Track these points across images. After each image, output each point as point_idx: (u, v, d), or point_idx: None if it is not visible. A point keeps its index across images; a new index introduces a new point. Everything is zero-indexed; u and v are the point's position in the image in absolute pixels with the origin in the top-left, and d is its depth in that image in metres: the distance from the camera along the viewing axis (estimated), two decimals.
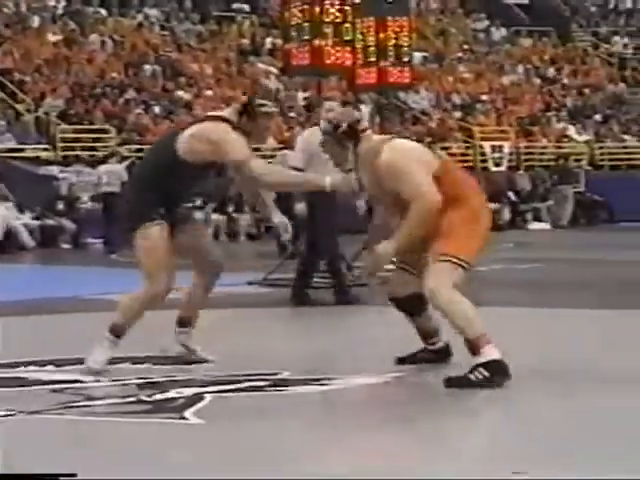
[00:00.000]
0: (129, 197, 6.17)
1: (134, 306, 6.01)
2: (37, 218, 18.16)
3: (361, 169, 5.65)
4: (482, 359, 5.32)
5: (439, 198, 5.49)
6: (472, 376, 5.31)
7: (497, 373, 5.31)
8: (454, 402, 5.20)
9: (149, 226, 5.88)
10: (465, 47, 28.53)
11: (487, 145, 23.88)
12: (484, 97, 26.07)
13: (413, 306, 5.81)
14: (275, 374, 5.79)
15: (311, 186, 6.14)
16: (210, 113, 6.45)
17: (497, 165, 23.75)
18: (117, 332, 5.98)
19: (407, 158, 5.59)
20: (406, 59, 13.09)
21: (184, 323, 6.24)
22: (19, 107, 20.54)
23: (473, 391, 5.28)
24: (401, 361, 5.90)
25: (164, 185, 5.91)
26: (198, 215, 19.00)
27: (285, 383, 5.61)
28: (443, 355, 5.91)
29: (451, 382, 5.36)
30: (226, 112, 6.05)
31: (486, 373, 5.30)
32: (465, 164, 23.59)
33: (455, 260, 5.47)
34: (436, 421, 4.90)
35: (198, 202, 19.23)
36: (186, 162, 5.86)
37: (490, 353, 5.32)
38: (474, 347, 5.34)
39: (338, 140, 5.74)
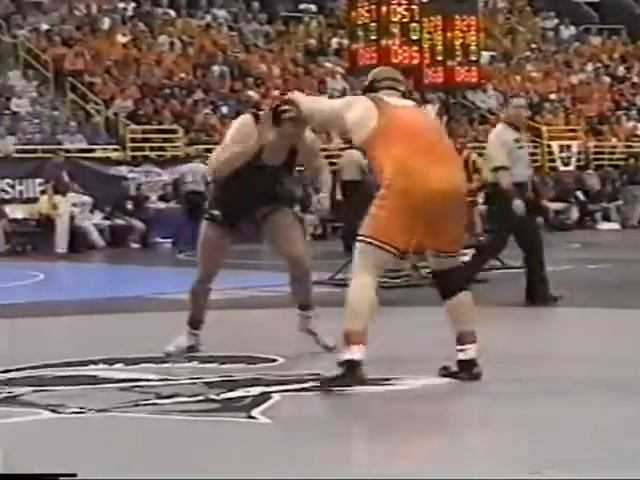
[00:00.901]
0: None
1: (190, 296, 6.56)
2: (107, 218, 18.41)
3: None
4: (344, 356, 5.31)
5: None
6: (333, 374, 5.33)
7: (347, 374, 5.26)
8: (522, 405, 5.17)
9: (203, 220, 6.47)
10: (533, 46, 28.31)
11: (555, 144, 23.67)
12: (552, 96, 25.84)
13: (445, 284, 5.67)
14: None
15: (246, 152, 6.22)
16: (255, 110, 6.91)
17: (565, 165, 23.53)
18: (191, 324, 6.55)
19: (342, 103, 5.83)
20: (474, 58, 13.00)
21: (303, 307, 6.58)
22: (89, 108, 20.81)
23: (537, 393, 5.25)
24: (442, 370, 5.70)
25: (223, 189, 6.39)
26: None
27: None
28: (465, 370, 5.57)
29: (322, 384, 5.36)
30: (265, 113, 6.41)
31: (341, 371, 5.30)
32: (533, 164, 23.44)
33: (363, 240, 5.41)
34: (499, 424, 4.88)
35: None
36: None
37: (353, 353, 5.28)
38: (346, 340, 5.34)
39: (363, 94, 5.88)
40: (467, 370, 5.59)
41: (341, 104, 5.82)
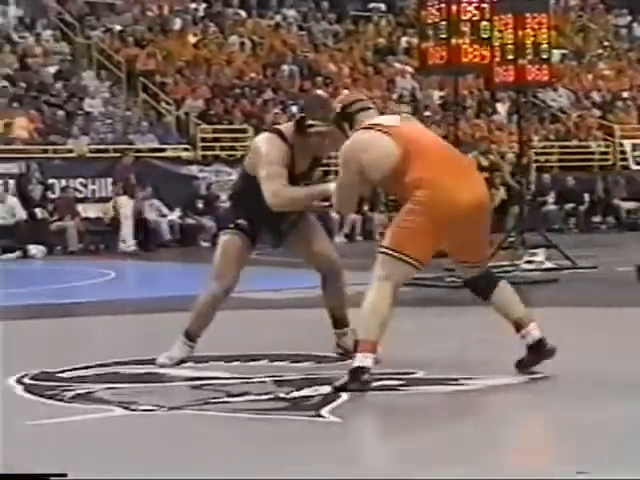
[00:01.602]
0: (229, 201, 6.63)
1: (202, 310, 6.21)
2: (179, 217, 18.62)
3: None
4: (354, 363, 5.32)
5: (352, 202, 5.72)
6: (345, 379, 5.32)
7: (354, 380, 5.27)
8: (587, 405, 5.13)
9: (226, 232, 6.20)
10: (606, 43, 27.99)
11: (628, 143, 23.38)
12: (625, 94, 25.52)
13: (477, 287, 5.71)
14: (410, 373, 5.80)
15: (315, 196, 6.00)
16: (274, 126, 6.50)
17: (638, 164, 23.23)
18: (190, 335, 6.20)
19: (353, 151, 5.54)
20: (545, 56, 12.92)
21: (337, 322, 6.37)
22: (161, 108, 21.02)
23: (600, 396, 5.20)
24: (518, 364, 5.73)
25: (245, 200, 6.14)
26: (333, 214, 19.21)
27: (419, 383, 5.61)
28: (536, 351, 5.60)
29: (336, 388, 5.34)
30: (285, 126, 6.15)
31: (346, 377, 5.30)
32: (605, 163, 23.23)
33: (386, 252, 5.41)
34: (560, 425, 4.85)
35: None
36: (253, 177, 6.02)
37: (362, 360, 5.29)
38: (355, 347, 5.39)
39: (337, 123, 5.75)
40: (538, 351, 5.59)
41: (349, 163, 5.58)
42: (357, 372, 5.29)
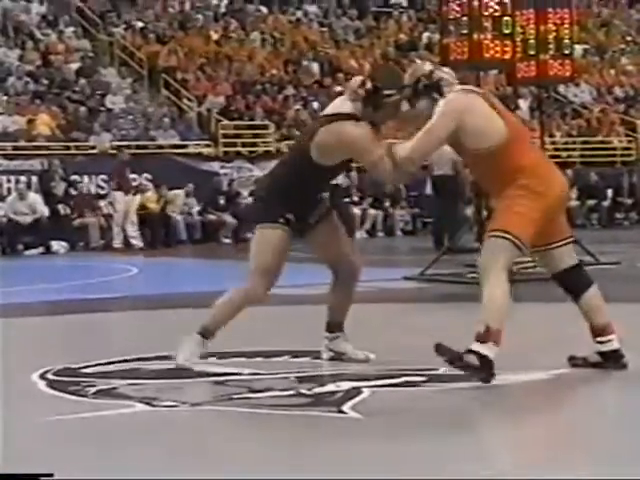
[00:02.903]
0: (264, 193, 6.08)
1: (225, 309, 5.94)
2: (199, 213, 18.64)
3: None
4: (482, 349, 5.29)
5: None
6: (465, 356, 5.31)
7: (484, 369, 5.30)
8: (609, 404, 5.12)
9: (269, 227, 5.86)
10: (628, 39, 27.87)
11: None
12: None
13: (570, 282, 5.71)
14: (432, 370, 5.78)
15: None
16: (335, 111, 5.89)
17: None
18: (208, 334, 5.91)
19: (458, 105, 5.43)
20: (567, 52, 12.87)
21: (332, 326, 6.17)
22: (182, 104, 21.06)
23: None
24: (572, 359, 5.74)
25: (297, 189, 5.85)
26: (355, 210, 19.21)
27: (442, 379, 5.60)
28: (612, 360, 5.64)
29: (441, 349, 5.37)
30: (347, 106, 5.79)
31: (477, 363, 5.29)
32: (627, 158, 23.12)
33: (503, 236, 5.37)
34: (587, 423, 4.83)
35: (355, 198, 19.40)
36: (321, 165, 5.78)
37: (490, 350, 5.29)
38: (485, 336, 5.30)
39: (418, 92, 5.57)
40: (613, 360, 5.62)
41: (449, 115, 5.43)
42: (486, 362, 5.28)
